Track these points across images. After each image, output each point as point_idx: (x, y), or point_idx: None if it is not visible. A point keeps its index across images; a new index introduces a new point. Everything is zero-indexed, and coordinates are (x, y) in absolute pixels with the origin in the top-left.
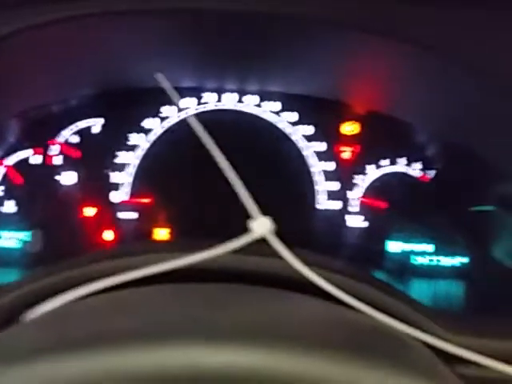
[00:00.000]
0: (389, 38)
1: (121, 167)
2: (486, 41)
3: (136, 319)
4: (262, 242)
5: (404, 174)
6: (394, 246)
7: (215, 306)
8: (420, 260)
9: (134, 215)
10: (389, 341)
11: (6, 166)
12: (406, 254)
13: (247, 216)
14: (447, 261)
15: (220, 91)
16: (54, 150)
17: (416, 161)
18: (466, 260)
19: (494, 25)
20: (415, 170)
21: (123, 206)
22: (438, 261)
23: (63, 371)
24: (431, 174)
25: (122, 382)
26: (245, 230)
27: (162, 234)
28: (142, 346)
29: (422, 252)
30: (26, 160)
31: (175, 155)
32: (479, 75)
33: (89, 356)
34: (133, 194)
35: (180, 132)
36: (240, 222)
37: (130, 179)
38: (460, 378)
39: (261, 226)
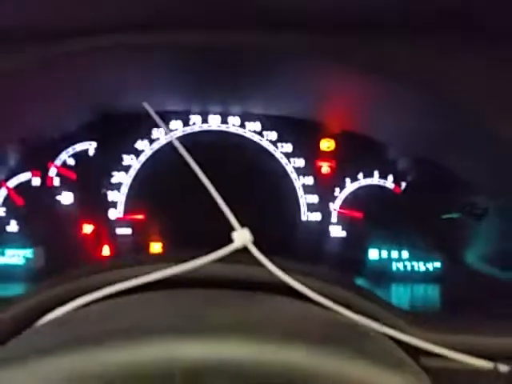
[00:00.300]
0: (358, 68)
1: (115, 186)
2: (447, 69)
3: (134, 320)
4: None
5: (378, 187)
6: (373, 254)
7: (204, 307)
8: (397, 266)
9: (128, 231)
10: (356, 334)
11: (7, 188)
12: (384, 261)
13: (229, 228)
14: (421, 266)
15: (205, 114)
16: (52, 172)
17: (388, 174)
18: (438, 265)
19: (452, 54)
20: (388, 182)
21: (118, 222)
22: (413, 266)
23: (77, 364)
24: (403, 185)
25: (125, 371)
26: (228, 241)
27: (155, 247)
28: (141, 340)
29: (398, 258)
30: (26, 182)
31: (164, 174)
32: (442, 100)
33: (95, 351)
34: (127, 211)
35: (168, 152)
36: (226, 234)
37: (124, 197)
38: (424, 369)
39: (241, 236)
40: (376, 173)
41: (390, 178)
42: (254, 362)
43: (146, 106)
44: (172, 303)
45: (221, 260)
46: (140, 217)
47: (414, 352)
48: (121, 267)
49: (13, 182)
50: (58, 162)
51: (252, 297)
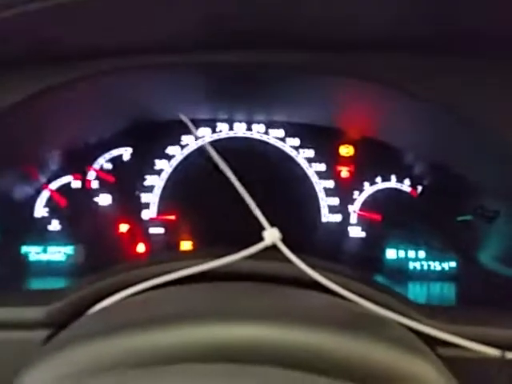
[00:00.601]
0: (377, 83)
1: (149, 189)
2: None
3: (181, 306)
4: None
5: (395, 190)
6: (390, 254)
7: (240, 297)
8: (413, 265)
9: (161, 230)
10: (377, 323)
11: (50, 190)
12: (401, 260)
13: (257, 229)
14: (437, 265)
15: (231, 121)
16: (91, 175)
17: (405, 178)
18: (453, 264)
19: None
20: (404, 186)
21: (151, 222)
22: (429, 265)
23: (132, 344)
24: (419, 189)
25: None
26: (255, 240)
27: (185, 245)
28: (191, 324)
29: (415, 258)
30: (67, 185)
31: (194, 177)
32: (456, 112)
33: (149, 333)
34: (160, 212)
35: (198, 157)
36: (251, 234)
37: (157, 199)
38: (439, 357)
39: (271, 235)
40: (393, 177)
41: (407, 181)
42: (286, 343)
43: (182, 116)
44: (211, 294)
45: (250, 257)
46: (171, 217)
47: (430, 342)
48: (162, 262)
49: (55, 185)
50: (97, 166)
51: (282, 289)
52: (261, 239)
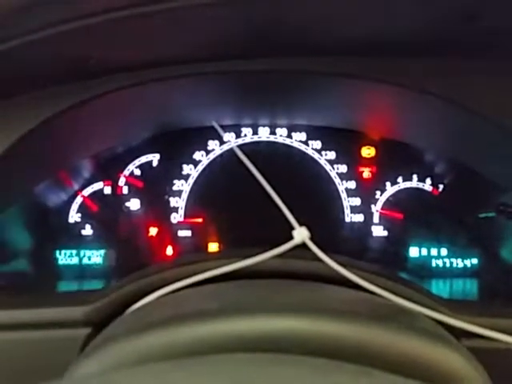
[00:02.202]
0: (398, 87)
1: (177, 193)
2: (479, 85)
3: (223, 302)
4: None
5: (416, 189)
6: (413, 252)
7: (276, 292)
8: (436, 263)
9: (188, 233)
10: (405, 315)
11: (82, 196)
12: (424, 258)
13: (281, 230)
14: (459, 262)
15: (255, 126)
16: (121, 181)
17: (426, 177)
18: (475, 261)
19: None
20: (426, 185)
21: (179, 225)
22: (451, 263)
23: (175, 337)
24: (440, 188)
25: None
26: (280, 240)
27: (212, 247)
28: (226, 318)
29: (438, 256)
30: (99, 191)
31: (220, 181)
32: (475, 112)
33: (192, 326)
34: (187, 215)
35: (223, 162)
36: (276, 235)
37: (184, 203)
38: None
39: (300, 234)
40: (415, 176)
41: (428, 181)
42: (316, 333)
43: (214, 123)
44: (246, 289)
45: (279, 256)
46: (199, 220)
47: (455, 334)
48: (195, 263)
49: (87, 191)
50: (127, 172)
51: (311, 285)
52: (285, 240)
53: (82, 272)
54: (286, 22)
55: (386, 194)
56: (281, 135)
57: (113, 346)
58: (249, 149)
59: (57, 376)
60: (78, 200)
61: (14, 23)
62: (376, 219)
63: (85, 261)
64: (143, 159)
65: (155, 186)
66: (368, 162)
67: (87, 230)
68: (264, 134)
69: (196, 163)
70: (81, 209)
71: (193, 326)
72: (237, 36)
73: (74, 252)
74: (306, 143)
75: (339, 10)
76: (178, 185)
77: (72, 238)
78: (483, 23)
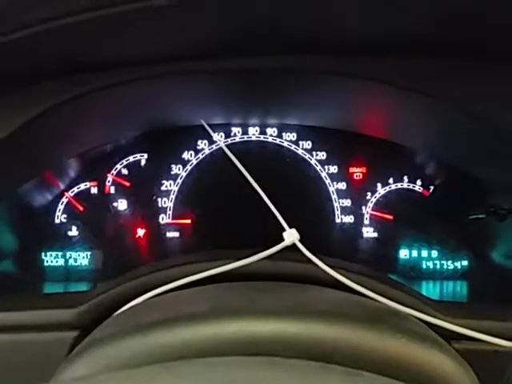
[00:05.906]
0: (389, 86)
1: (165, 194)
2: (471, 85)
3: (212, 305)
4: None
5: (407, 190)
6: (403, 253)
7: (265, 294)
8: (426, 264)
9: (176, 234)
10: (395, 317)
11: (68, 197)
12: (414, 260)
13: (270, 232)
14: (450, 264)
15: (245, 126)
16: (108, 181)
17: (417, 179)
18: (466, 263)
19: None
20: (417, 186)
21: (168, 226)
22: (442, 264)
23: (165, 340)
24: (431, 189)
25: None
26: (269, 242)
27: (201, 249)
28: (215, 320)
29: (428, 257)
30: (85, 191)
31: (209, 181)
32: (467, 113)
33: (180, 329)
34: (175, 216)
35: (212, 162)
36: (265, 237)
37: (172, 204)
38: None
39: (290, 235)
40: (405, 177)
41: (419, 182)
42: (305, 336)
43: (203, 122)
44: (236, 292)
45: (268, 258)
46: (187, 221)
47: (445, 336)
48: (184, 264)
49: (73, 191)
50: (114, 171)
51: (300, 287)
52: (275, 242)
53: (68, 274)
54: (275, 20)
55: (377, 195)
56: (271, 135)
57: (100, 349)
58: (238, 148)
59: (44, 379)
60: (64, 200)
61: None
62: (366, 220)
63: (71, 262)
64: (131, 159)
65: (143, 186)
66: (359, 162)
67: (73, 231)
68: (254, 133)
69: (185, 163)
70: (67, 209)
71: (181, 329)
72: (226, 34)
73: (60, 254)
74: (296, 143)
75: (328, 8)
76: (166, 185)
77: (58, 239)
78: (472, 23)
